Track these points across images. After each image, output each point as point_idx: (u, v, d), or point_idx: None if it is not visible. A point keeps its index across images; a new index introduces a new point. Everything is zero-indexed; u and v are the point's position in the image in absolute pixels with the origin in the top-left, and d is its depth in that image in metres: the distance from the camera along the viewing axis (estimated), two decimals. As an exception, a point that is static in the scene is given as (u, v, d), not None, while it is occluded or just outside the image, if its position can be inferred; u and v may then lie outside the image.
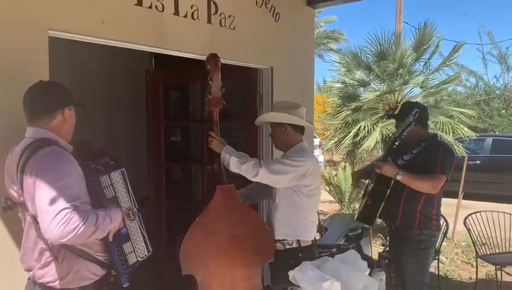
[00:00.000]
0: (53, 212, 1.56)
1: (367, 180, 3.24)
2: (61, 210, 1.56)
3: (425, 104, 7.04)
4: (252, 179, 2.51)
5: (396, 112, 3.38)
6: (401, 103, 6.98)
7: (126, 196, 1.95)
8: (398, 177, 2.84)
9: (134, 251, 1.97)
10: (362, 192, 3.35)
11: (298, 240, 2.64)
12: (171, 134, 4.52)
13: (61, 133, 1.86)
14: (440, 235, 4.39)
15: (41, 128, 1.81)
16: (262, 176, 2.49)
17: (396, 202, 2.98)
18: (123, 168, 1.98)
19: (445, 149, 3.06)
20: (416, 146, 3.06)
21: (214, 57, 2.44)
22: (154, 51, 3.12)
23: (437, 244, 3.40)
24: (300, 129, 2.74)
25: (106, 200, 1.86)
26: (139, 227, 2.00)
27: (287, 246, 2.64)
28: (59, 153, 1.74)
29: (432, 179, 2.88)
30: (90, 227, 1.62)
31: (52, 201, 1.59)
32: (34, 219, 1.71)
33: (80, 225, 1.58)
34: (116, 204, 1.87)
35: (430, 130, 3.73)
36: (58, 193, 1.60)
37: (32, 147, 1.74)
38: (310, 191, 2.64)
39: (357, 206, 7.93)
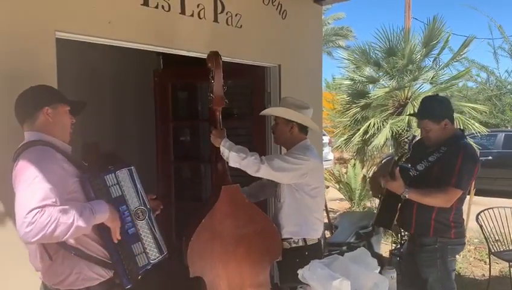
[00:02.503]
0: (23, 212, 1.57)
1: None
2: (30, 211, 1.56)
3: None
4: (253, 175, 2.46)
5: (420, 108, 3.00)
6: (411, 99, 6.95)
7: (135, 195, 1.91)
8: (405, 195, 2.65)
9: (144, 252, 1.91)
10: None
11: (304, 239, 2.62)
12: (180, 134, 4.53)
13: (53, 133, 1.85)
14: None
15: (31, 131, 1.83)
16: (264, 172, 2.45)
17: (409, 210, 2.79)
18: (132, 167, 1.94)
19: (465, 155, 2.67)
20: (435, 150, 2.76)
21: (214, 55, 2.40)
22: (161, 51, 3.12)
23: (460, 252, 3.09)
24: (305, 130, 2.72)
25: (110, 199, 1.83)
26: (151, 227, 1.95)
27: (293, 245, 2.62)
28: (40, 151, 1.74)
29: (444, 194, 2.63)
30: (64, 223, 1.60)
31: (23, 201, 1.60)
32: None
33: (50, 224, 1.56)
34: (105, 198, 1.82)
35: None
36: (30, 193, 1.61)
37: (20, 149, 1.77)
38: (311, 190, 2.61)
39: (368, 203, 7.95)
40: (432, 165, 2.75)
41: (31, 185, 1.62)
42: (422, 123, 2.83)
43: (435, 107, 2.82)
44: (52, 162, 1.74)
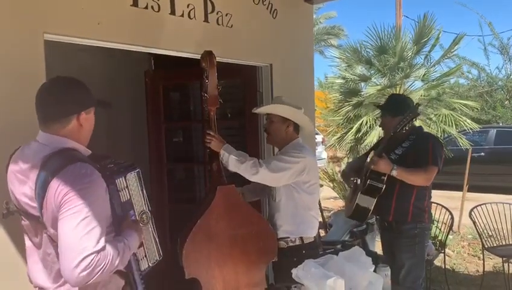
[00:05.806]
0: (78, 256, 1.45)
1: (355, 179, 3.20)
2: (88, 255, 1.45)
3: (427, 97, 7.03)
4: (251, 179, 2.48)
5: (383, 103, 3.41)
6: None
7: (140, 199, 1.81)
8: (393, 173, 2.82)
9: (146, 256, 1.86)
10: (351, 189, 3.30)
11: (301, 237, 2.63)
12: (173, 135, 4.51)
13: (78, 138, 1.68)
14: (446, 229, 4.39)
15: (56, 135, 1.63)
16: (262, 175, 2.46)
17: (388, 197, 2.97)
18: (139, 169, 1.83)
19: (434, 140, 3.09)
20: (405, 139, 3.06)
21: (209, 54, 2.39)
22: (151, 52, 3.10)
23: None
24: (297, 129, 2.74)
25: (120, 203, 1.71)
26: (152, 231, 1.90)
27: (290, 244, 2.62)
28: (88, 175, 1.55)
29: (424, 172, 2.89)
30: (112, 265, 1.53)
31: (78, 243, 1.46)
32: (51, 238, 1.59)
33: (103, 268, 1.48)
34: (133, 225, 1.74)
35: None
36: (85, 233, 1.47)
37: (54, 162, 1.55)
38: (309, 187, 2.62)
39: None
40: (406, 150, 3.05)
41: (84, 222, 1.48)
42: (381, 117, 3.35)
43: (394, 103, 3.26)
44: (99, 184, 1.58)
